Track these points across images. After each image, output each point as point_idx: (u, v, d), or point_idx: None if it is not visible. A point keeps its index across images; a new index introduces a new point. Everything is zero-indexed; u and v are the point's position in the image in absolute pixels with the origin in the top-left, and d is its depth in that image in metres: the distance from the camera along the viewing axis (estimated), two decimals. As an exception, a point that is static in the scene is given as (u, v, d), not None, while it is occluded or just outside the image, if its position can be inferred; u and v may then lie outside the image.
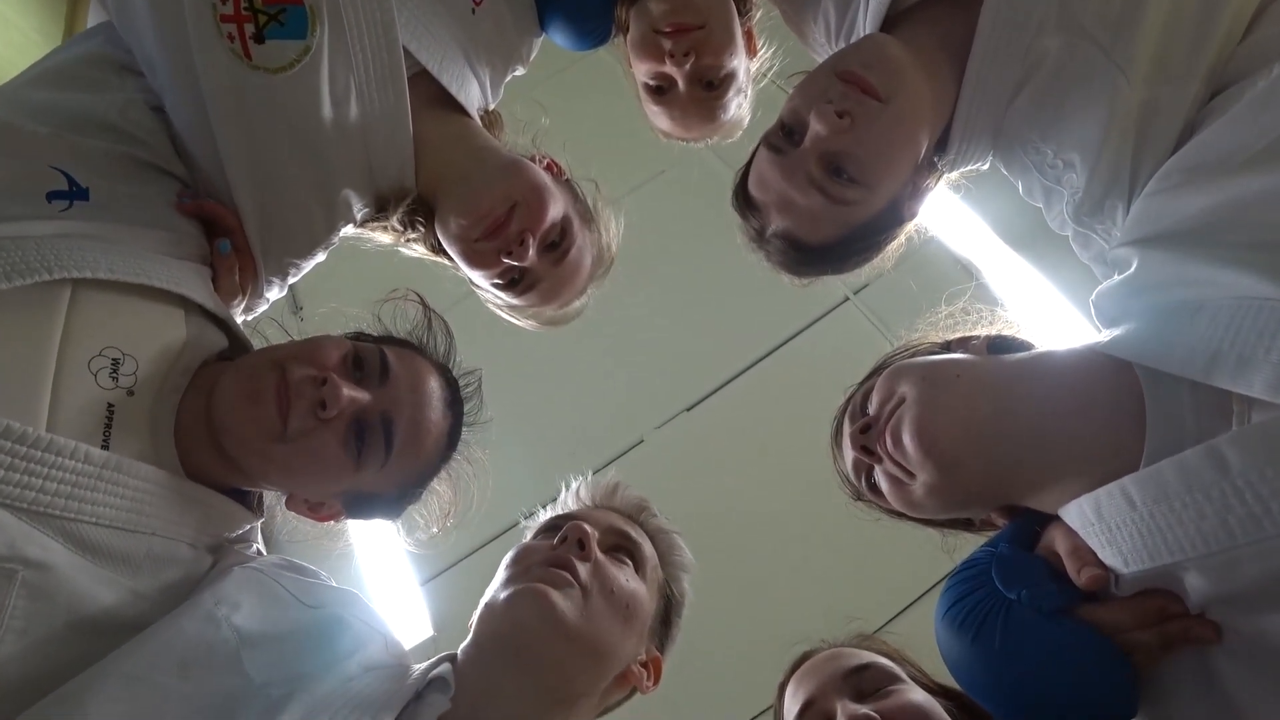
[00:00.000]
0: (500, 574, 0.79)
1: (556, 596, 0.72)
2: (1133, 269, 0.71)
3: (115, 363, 0.70)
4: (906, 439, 0.71)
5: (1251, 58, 0.72)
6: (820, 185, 0.83)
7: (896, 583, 2.04)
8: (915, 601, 2.06)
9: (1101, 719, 0.64)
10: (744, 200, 0.92)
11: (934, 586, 2.01)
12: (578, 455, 2.36)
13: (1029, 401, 0.69)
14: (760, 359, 2.45)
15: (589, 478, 0.92)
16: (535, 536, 0.85)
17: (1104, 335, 0.71)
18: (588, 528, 0.78)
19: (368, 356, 0.80)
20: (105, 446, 0.68)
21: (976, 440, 0.69)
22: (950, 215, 2.25)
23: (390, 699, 0.68)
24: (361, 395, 0.76)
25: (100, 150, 0.81)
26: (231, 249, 0.88)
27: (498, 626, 0.74)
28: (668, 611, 0.86)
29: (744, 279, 2.49)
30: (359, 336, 0.89)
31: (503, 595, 0.74)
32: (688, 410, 2.44)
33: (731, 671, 1.93)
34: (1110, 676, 0.62)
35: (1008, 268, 2.21)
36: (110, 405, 0.69)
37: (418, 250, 1.06)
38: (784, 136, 0.86)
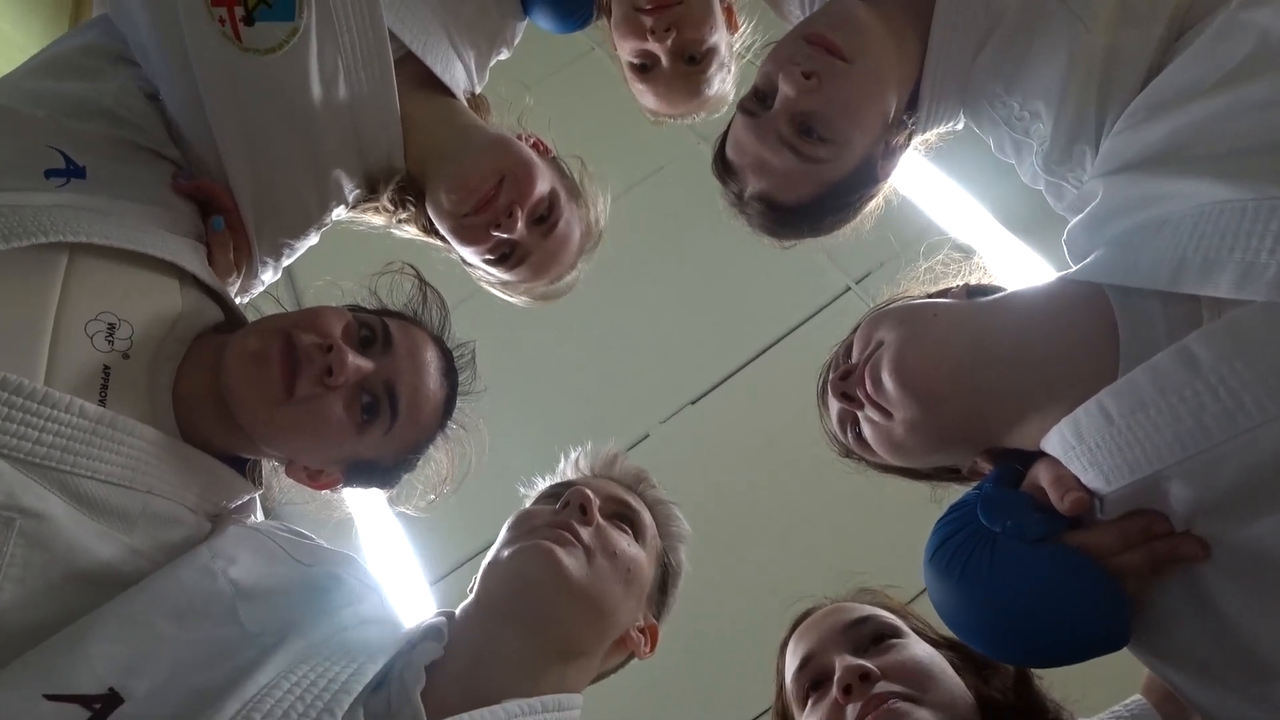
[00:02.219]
0: (502, 536, 0.80)
1: (561, 554, 0.74)
2: (1098, 198, 0.72)
3: (111, 327, 0.73)
4: (885, 377, 0.71)
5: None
6: (792, 145, 0.86)
7: (910, 570, 2.03)
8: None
9: (1094, 646, 0.63)
10: (722, 165, 0.95)
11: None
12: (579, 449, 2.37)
13: (1004, 332, 0.70)
14: (764, 351, 2.46)
15: (588, 447, 0.94)
16: (535, 503, 0.86)
17: (1074, 267, 0.72)
18: (589, 493, 0.80)
19: (370, 325, 0.83)
20: (102, 406, 0.70)
21: (954, 372, 0.69)
22: (951, 201, 2.26)
23: (381, 648, 0.69)
24: (366, 364, 0.79)
25: (97, 134, 0.84)
26: (225, 226, 0.90)
27: (501, 583, 0.75)
28: (665, 580, 0.87)
29: (744, 272, 2.52)
30: (355, 309, 0.91)
31: (506, 553, 0.75)
32: (692, 404, 2.45)
33: (745, 663, 1.93)
34: (1100, 600, 0.61)
35: (1010, 253, 2.21)
36: (106, 368, 0.71)
37: (409, 231, 1.08)
38: (757, 101, 0.89)
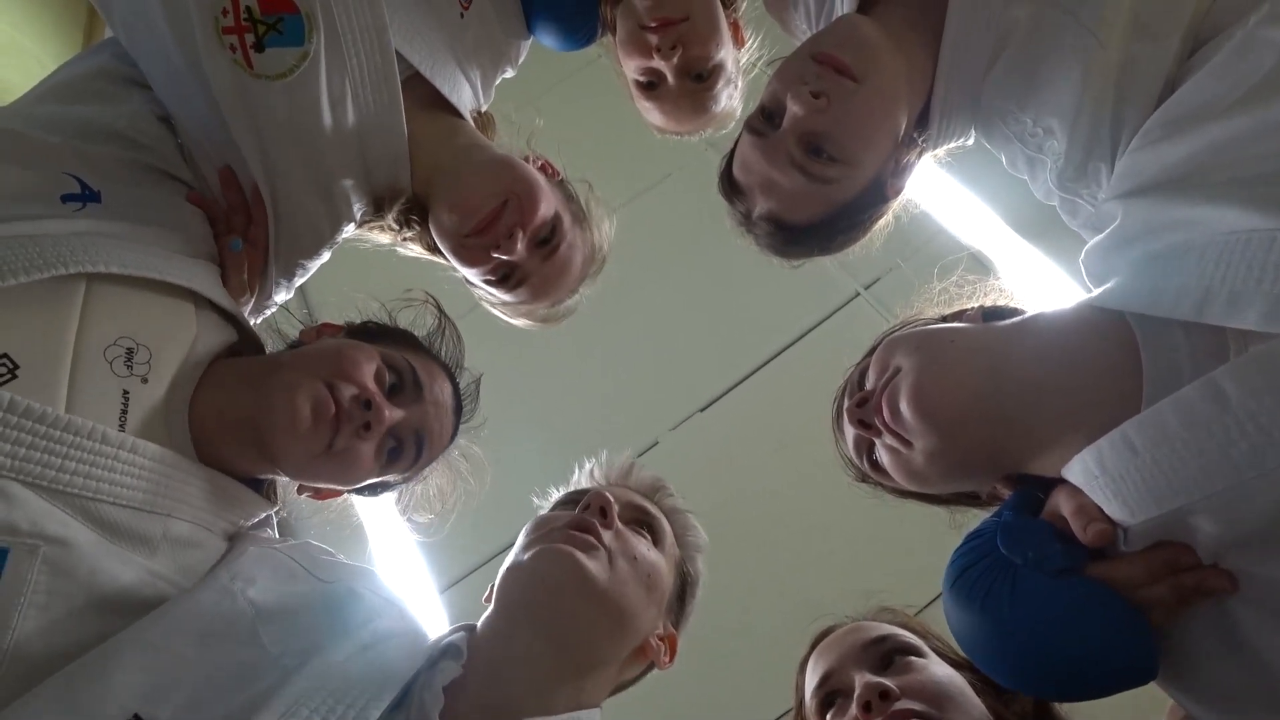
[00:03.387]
0: (520, 541, 0.80)
1: (582, 557, 0.73)
2: (1118, 221, 0.71)
3: (130, 352, 0.73)
4: (903, 406, 0.70)
5: (1229, 11, 0.72)
6: (801, 165, 0.85)
7: (922, 577, 2.00)
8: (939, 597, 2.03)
9: (1120, 680, 0.62)
10: (729, 185, 0.95)
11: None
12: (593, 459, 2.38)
13: (1023, 359, 0.69)
14: (772, 357, 2.45)
15: (603, 457, 0.94)
16: (553, 510, 0.86)
17: (1095, 291, 0.71)
18: (609, 496, 0.80)
19: (400, 371, 0.85)
20: (122, 430, 0.70)
21: (973, 401, 0.68)
22: (960, 206, 2.25)
23: (400, 668, 0.70)
24: (399, 414, 0.82)
25: (110, 157, 0.85)
26: (242, 246, 0.91)
27: (521, 588, 0.75)
28: (683, 589, 0.86)
29: (753, 278, 2.51)
30: (368, 326, 0.93)
31: (526, 556, 0.75)
32: (701, 411, 2.44)
33: (755, 670, 1.93)
34: (1125, 633, 0.60)
35: (1020, 258, 2.20)
36: (125, 392, 0.72)
37: (414, 250, 1.09)
38: (764, 120, 0.88)
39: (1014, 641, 0.63)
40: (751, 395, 2.44)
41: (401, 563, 2.13)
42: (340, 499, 0.93)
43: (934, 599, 1.99)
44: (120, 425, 0.71)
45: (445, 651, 0.74)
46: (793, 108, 0.84)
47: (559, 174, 1.10)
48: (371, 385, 0.80)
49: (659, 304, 2.50)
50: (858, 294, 2.43)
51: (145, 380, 0.74)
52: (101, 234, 0.76)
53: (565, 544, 0.74)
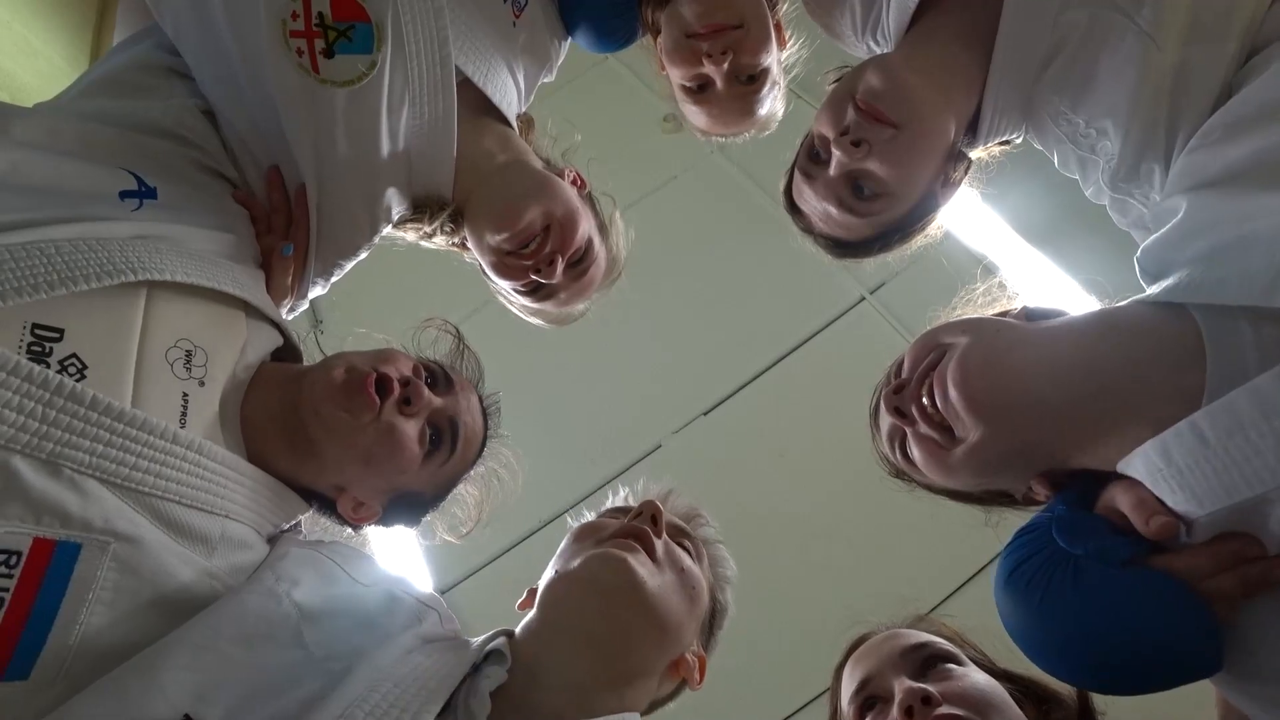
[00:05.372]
0: (567, 547, 0.79)
1: (634, 562, 0.73)
2: (1181, 214, 0.70)
3: (189, 354, 0.73)
4: (951, 388, 0.69)
5: None
6: (849, 206, 0.93)
7: (924, 581, 2.03)
8: (942, 602, 2.04)
9: (1185, 671, 0.61)
10: (791, 203, 1.03)
11: (959, 588, 2.01)
12: (597, 462, 2.36)
13: (1074, 353, 0.68)
14: (777, 361, 2.46)
15: (639, 485, 0.94)
16: (599, 518, 0.86)
17: (1153, 288, 0.70)
18: (661, 505, 0.80)
19: (432, 369, 0.88)
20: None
21: (1022, 391, 0.68)
22: (967, 212, 2.27)
23: (448, 673, 0.69)
24: (437, 399, 0.86)
25: (162, 152, 0.85)
26: (293, 252, 0.91)
27: (571, 593, 0.75)
28: (713, 616, 0.86)
29: (758, 281, 2.50)
30: None
31: (576, 562, 0.75)
32: (705, 414, 2.45)
33: (762, 674, 1.93)
34: (1193, 624, 0.59)
35: (1027, 263, 2.22)
36: (185, 395, 0.72)
37: (436, 243, 1.10)
38: (812, 162, 0.95)
39: (1080, 631, 0.62)
40: (755, 399, 2.45)
41: (401, 565, 2.11)
42: (369, 523, 0.91)
43: (940, 603, 2.00)
44: (181, 427, 0.70)
45: (489, 658, 0.74)
46: (836, 154, 0.90)
47: (587, 186, 1.13)
48: (408, 370, 0.84)
49: (663, 307, 2.50)
50: (863, 299, 2.45)
51: (203, 383, 0.74)
52: (162, 238, 0.76)
53: (617, 549, 0.74)
